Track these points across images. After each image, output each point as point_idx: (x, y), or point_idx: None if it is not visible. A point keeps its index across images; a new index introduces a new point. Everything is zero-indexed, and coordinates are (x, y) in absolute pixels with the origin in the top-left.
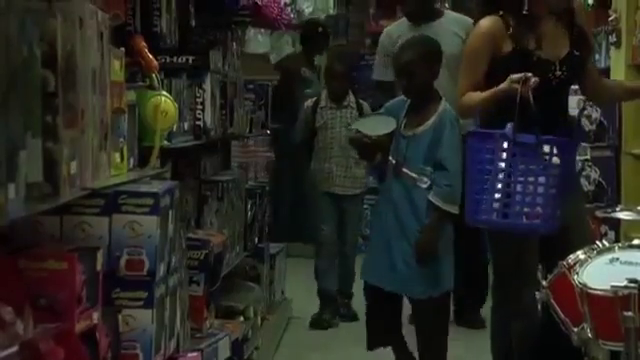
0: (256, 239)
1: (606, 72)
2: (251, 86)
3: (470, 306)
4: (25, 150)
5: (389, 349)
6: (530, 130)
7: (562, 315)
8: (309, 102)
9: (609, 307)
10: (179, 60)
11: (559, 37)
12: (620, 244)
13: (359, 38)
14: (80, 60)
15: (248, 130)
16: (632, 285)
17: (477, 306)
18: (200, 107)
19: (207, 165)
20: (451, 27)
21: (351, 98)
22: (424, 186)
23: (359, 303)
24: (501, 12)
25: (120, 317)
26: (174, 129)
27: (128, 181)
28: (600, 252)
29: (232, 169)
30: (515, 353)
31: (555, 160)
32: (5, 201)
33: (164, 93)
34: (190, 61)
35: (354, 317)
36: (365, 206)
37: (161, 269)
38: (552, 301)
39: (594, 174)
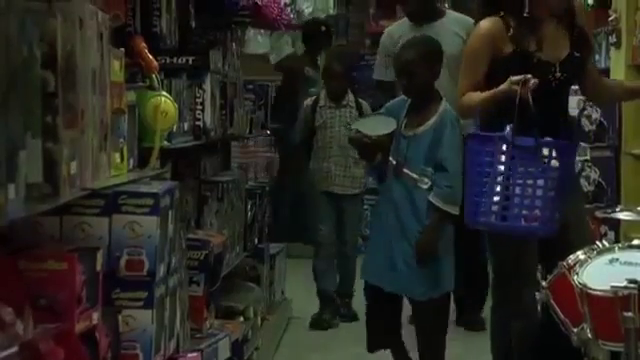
0: (256, 239)
1: (606, 72)
2: (251, 86)
3: (470, 306)
4: (25, 150)
5: (389, 350)
6: (529, 132)
7: (562, 315)
8: (308, 101)
9: (609, 307)
10: (179, 60)
11: (559, 39)
12: (620, 244)
13: (359, 38)
14: (80, 60)
15: (248, 130)
16: (632, 285)
17: (477, 306)
18: (200, 107)
19: (207, 165)
20: (452, 27)
21: (350, 97)
22: (425, 187)
23: (359, 303)
24: (502, 13)
25: (120, 317)
26: (174, 129)
27: (128, 181)
28: (600, 252)
29: (232, 169)
30: (515, 353)
31: (554, 163)
32: (5, 201)
33: (164, 93)
34: (190, 61)
35: (354, 317)
36: (365, 206)
37: (161, 269)
38: (552, 301)
39: (594, 174)
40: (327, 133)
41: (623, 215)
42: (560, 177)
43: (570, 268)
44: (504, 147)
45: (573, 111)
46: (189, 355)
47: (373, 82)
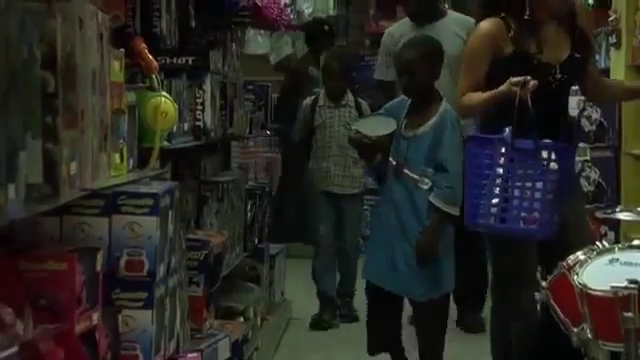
0: (256, 240)
1: (606, 73)
2: (251, 87)
3: (469, 307)
4: (25, 151)
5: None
6: (529, 134)
7: (562, 316)
8: (307, 101)
9: (609, 308)
10: (179, 61)
11: (560, 40)
12: (620, 245)
13: (359, 39)
14: (80, 61)
15: (248, 131)
16: (632, 286)
17: (477, 307)
18: (200, 108)
19: (207, 166)
20: (453, 28)
21: (349, 97)
22: (425, 187)
23: (359, 303)
24: (502, 14)
25: (120, 318)
26: (174, 130)
27: (128, 182)
28: (600, 253)
29: (232, 170)
30: (514, 354)
31: (553, 165)
32: (5, 202)
33: (164, 94)
34: (190, 62)
35: (355, 318)
36: (365, 206)
37: (161, 270)
38: (552, 302)
39: (594, 175)
40: (326, 133)
41: (623, 215)
42: (559, 179)
43: (570, 268)
44: (503, 149)
45: (573, 111)
46: (189, 355)
47: (373, 82)
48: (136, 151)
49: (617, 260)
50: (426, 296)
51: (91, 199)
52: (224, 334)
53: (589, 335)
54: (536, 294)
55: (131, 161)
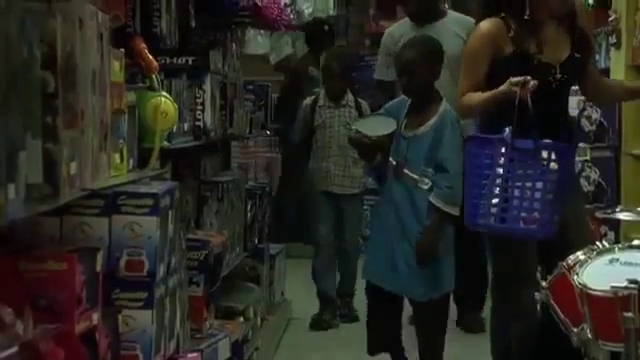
0: (256, 240)
1: (606, 73)
2: (251, 87)
3: (469, 307)
4: (25, 151)
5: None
6: (529, 134)
7: (562, 316)
8: (307, 100)
9: (609, 308)
10: (179, 61)
11: (560, 40)
12: (620, 245)
13: (359, 39)
14: (80, 61)
15: (248, 131)
16: (632, 286)
17: (477, 307)
18: (200, 108)
19: (207, 166)
20: (453, 28)
21: (349, 97)
22: (425, 187)
23: (359, 303)
24: (502, 14)
25: (120, 318)
26: (174, 130)
27: (128, 182)
28: (600, 253)
29: (232, 170)
30: (514, 354)
31: (553, 165)
32: (5, 202)
33: (164, 94)
34: (190, 62)
35: (355, 318)
36: (365, 206)
37: (161, 270)
38: (552, 302)
39: (594, 175)
40: (326, 133)
41: (623, 215)
42: (559, 179)
43: (570, 268)
44: (503, 149)
45: (573, 111)
46: (189, 355)
47: (373, 82)
48: (136, 151)
49: (617, 260)
50: (426, 296)
51: (91, 199)
52: (224, 334)
53: (589, 335)
54: (536, 294)
55: (131, 161)
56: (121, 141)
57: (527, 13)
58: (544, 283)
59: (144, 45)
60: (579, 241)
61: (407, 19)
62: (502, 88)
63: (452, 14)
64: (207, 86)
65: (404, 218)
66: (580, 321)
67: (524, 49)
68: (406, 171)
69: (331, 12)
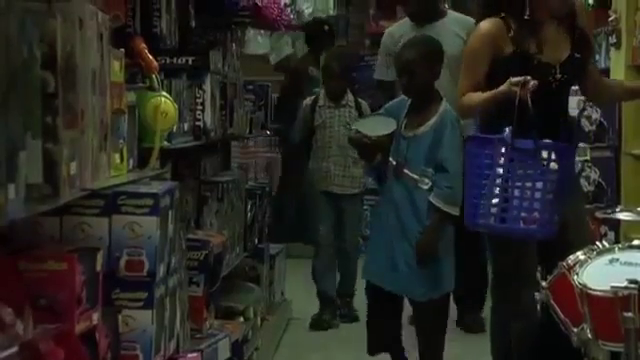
0: (256, 240)
1: (606, 73)
2: (251, 87)
3: (470, 307)
4: (25, 151)
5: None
6: (529, 134)
7: (562, 316)
8: (307, 100)
9: (609, 308)
10: (179, 61)
11: (560, 40)
12: (620, 245)
13: (359, 39)
14: (80, 61)
15: (248, 131)
16: (632, 286)
17: (477, 307)
18: (200, 108)
19: (207, 166)
20: (453, 28)
21: (349, 97)
22: (425, 187)
23: (359, 303)
24: (502, 14)
25: (120, 318)
26: (174, 130)
27: (128, 182)
28: (600, 253)
29: (232, 170)
30: (514, 354)
31: (553, 166)
32: (5, 202)
33: (164, 94)
34: (190, 62)
35: (355, 318)
36: (365, 207)
37: (161, 270)
38: (552, 302)
39: (594, 175)
40: (326, 133)
41: (623, 215)
42: (559, 179)
43: (570, 268)
44: (503, 149)
45: (573, 111)
46: (189, 355)
47: (373, 82)
48: (136, 151)
49: (617, 260)
50: (426, 296)
51: (91, 199)
52: (224, 334)
53: (589, 335)
54: (536, 294)
55: (131, 161)
56: (121, 141)
57: (527, 13)
58: (544, 283)
59: (144, 45)
60: (579, 241)
61: (407, 19)
62: (502, 88)
63: (452, 14)
64: (207, 86)
65: (404, 218)
66: (580, 321)
67: (524, 49)
68: (406, 171)
69: (331, 12)
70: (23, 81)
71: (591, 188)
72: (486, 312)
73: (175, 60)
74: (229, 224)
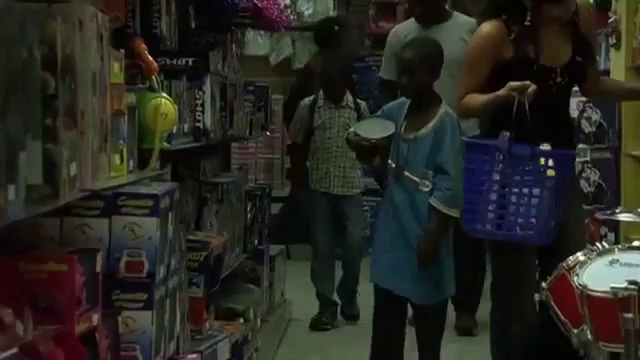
0: (256, 241)
1: (606, 74)
2: (251, 88)
3: (466, 310)
4: (25, 152)
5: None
6: (527, 139)
7: (562, 317)
8: (306, 101)
9: (609, 309)
10: (179, 62)
11: (562, 44)
12: (620, 246)
13: (359, 39)
14: (80, 62)
15: (248, 132)
16: (632, 287)
17: (472, 310)
18: (200, 109)
19: (207, 167)
20: (458, 31)
21: (349, 98)
22: (426, 189)
23: (363, 302)
24: (504, 16)
25: (120, 319)
26: (174, 131)
27: (128, 183)
28: (600, 254)
29: (232, 171)
30: (514, 355)
31: (550, 172)
32: (5, 203)
33: (164, 95)
34: (190, 63)
35: (356, 317)
36: (365, 208)
37: (161, 271)
38: (552, 303)
39: (594, 176)
40: (326, 134)
41: (623, 216)
42: (557, 186)
43: (570, 269)
44: (500, 155)
45: (573, 112)
46: (189, 356)
47: (373, 83)
48: (136, 152)
49: (617, 261)
50: (429, 299)
51: (91, 200)
52: (224, 335)
53: (589, 336)
54: (536, 295)
55: (131, 162)
56: (121, 142)
57: (528, 19)
58: (544, 284)
59: (144, 46)
60: (577, 242)
61: (413, 19)
62: (501, 92)
63: (458, 16)
64: (207, 87)
65: (404, 221)
66: (580, 322)
67: (525, 52)
68: (407, 173)
69: (331, 13)
70: (23, 82)
71: (591, 189)
72: (483, 315)
73: (175, 61)
74: (229, 225)
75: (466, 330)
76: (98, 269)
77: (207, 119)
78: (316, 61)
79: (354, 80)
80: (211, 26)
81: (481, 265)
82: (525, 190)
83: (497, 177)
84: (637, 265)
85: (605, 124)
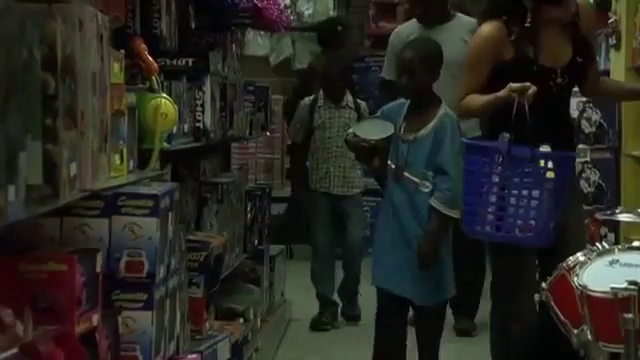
0: (256, 241)
1: (606, 74)
2: (251, 88)
3: (465, 312)
4: (25, 152)
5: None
6: (527, 141)
7: (562, 317)
8: (306, 100)
9: (609, 309)
10: (179, 62)
11: (562, 45)
12: (620, 246)
13: (359, 39)
14: (80, 62)
15: (248, 132)
16: (632, 287)
17: (471, 313)
18: (200, 109)
19: (207, 167)
20: (460, 32)
21: (349, 98)
22: (426, 190)
23: (365, 303)
24: (505, 17)
25: (120, 319)
26: (174, 131)
27: (128, 183)
28: (600, 254)
29: (232, 171)
30: (514, 355)
31: (550, 174)
32: (5, 203)
33: (164, 95)
34: (190, 63)
35: (358, 317)
36: (365, 208)
37: (161, 271)
38: (552, 303)
39: (594, 176)
40: (326, 134)
41: (623, 217)
42: (556, 187)
43: (570, 270)
44: (500, 157)
45: (573, 113)
46: (189, 357)
47: (373, 83)
48: (136, 152)
49: (617, 261)
50: (429, 299)
51: (91, 200)
52: (224, 335)
53: (589, 336)
54: (536, 295)
55: (131, 162)
56: (121, 142)
57: (528, 21)
58: (544, 284)
59: (144, 46)
60: (577, 243)
61: (415, 20)
62: (501, 93)
63: (460, 17)
64: (207, 87)
65: (404, 221)
66: (580, 322)
67: (525, 53)
68: (407, 174)
69: (331, 13)
70: (23, 82)
71: (591, 190)
72: (483, 315)
73: (175, 61)
74: (229, 225)
75: (465, 332)
76: (98, 269)
77: (207, 119)
78: (319, 62)
79: (354, 80)
80: (211, 26)
81: (481, 266)
82: (524, 192)
83: (496, 179)
84: (637, 265)
85: (605, 124)
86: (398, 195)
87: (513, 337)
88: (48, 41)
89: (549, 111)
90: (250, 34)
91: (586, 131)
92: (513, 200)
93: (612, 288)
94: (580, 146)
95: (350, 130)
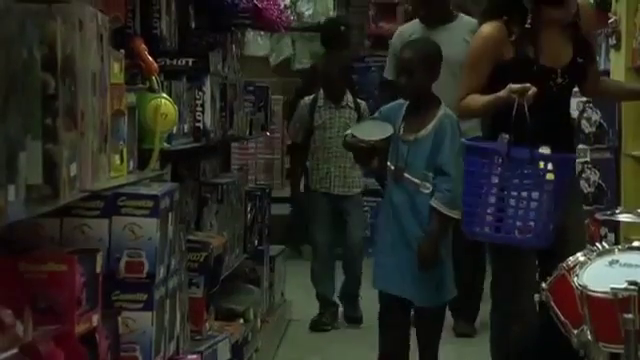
0: (256, 241)
1: (606, 74)
2: (251, 88)
3: (464, 313)
4: (25, 152)
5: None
6: (527, 142)
7: (562, 317)
8: (306, 100)
9: (609, 309)
10: (179, 62)
11: (562, 45)
12: (620, 246)
13: (359, 40)
14: (80, 62)
15: (248, 132)
16: (632, 287)
17: (470, 313)
18: (200, 109)
19: (207, 167)
20: (462, 33)
21: (349, 98)
22: (426, 191)
23: (366, 305)
24: (505, 17)
25: (120, 319)
26: (174, 131)
27: (128, 183)
28: (600, 254)
29: (232, 171)
30: (514, 355)
31: (549, 176)
32: (5, 203)
33: (164, 95)
34: (190, 63)
35: (359, 320)
36: (365, 208)
37: (161, 271)
38: (552, 303)
39: (594, 176)
40: (326, 134)
41: (623, 217)
42: (556, 189)
43: (570, 270)
44: (500, 159)
45: (573, 112)
46: (189, 357)
47: (373, 83)
48: (136, 152)
49: (617, 262)
50: (430, 301)
51: (91, 200)
52: (224, 336)
53: (589, 337)
54: (536, 295)
55: (131, 162)
56: (121, 142)
57: (529, 22)
58: (544, 285)
59: (144, 46)
60: (577, 243)
61: (417, 20)
62: (501, 94)
63: (463, 18)
64: (207, 87)
65: (405, 223)
66: (580, 323)
67: (525, 53)
68: (407, 175)
69: (331, 13)
70: (23, 83)
71: (591, 190)
72: (483, 315)
73: (175, 61)
74: (229, 226)
75: (465, 335)
76: (98, 269)
77: (207, 119)
78: (322, 62)
79: (354, 80)
80: (211, 26)
81: (480, 266)
82: (524, 194)
83: (496, 180)
84: (637, 266)
85: (605, 124)
86: (398, 196)
87: (513, 337)
88: (48, 41)
89: (549, 111)
90: (250, 34)
91: (586, 131)
92: (512, 201)
93: (612, 288)
94: (580, 146)
95: (348, 131)
